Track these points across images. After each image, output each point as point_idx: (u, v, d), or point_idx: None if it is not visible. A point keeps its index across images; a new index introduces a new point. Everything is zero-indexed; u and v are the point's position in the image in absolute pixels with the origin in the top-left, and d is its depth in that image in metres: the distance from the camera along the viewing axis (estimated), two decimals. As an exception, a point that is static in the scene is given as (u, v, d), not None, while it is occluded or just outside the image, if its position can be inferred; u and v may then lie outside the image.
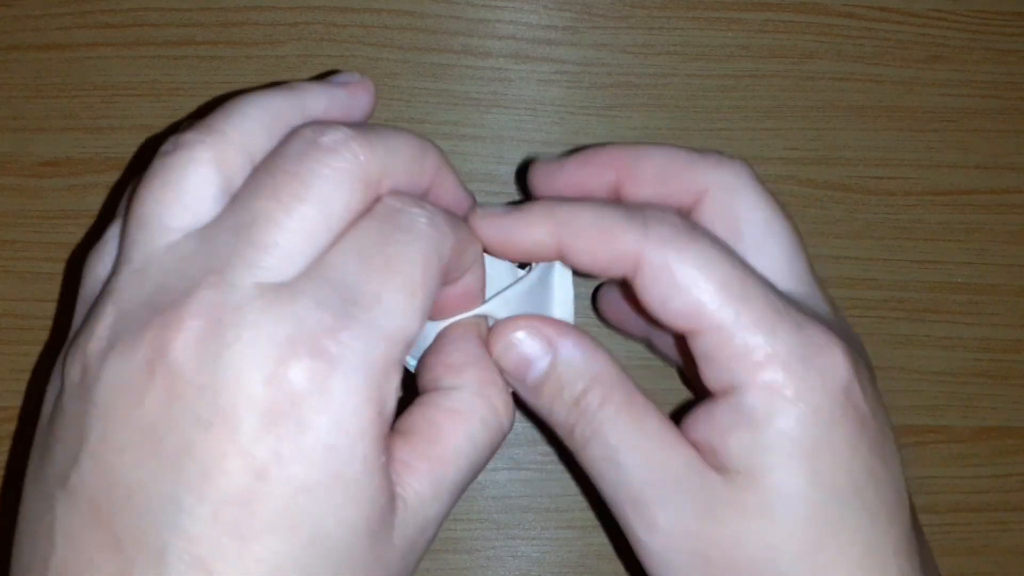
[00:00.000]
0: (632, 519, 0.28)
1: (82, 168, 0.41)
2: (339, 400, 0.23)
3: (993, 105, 0.43)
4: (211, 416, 0.22)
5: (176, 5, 0.41)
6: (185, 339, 0.22)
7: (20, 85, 0.41)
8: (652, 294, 0.28)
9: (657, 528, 0.28)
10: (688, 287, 0.27)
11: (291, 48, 0.42)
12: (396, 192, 0.26)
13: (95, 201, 0.41)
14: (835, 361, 0.28)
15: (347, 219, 0.24)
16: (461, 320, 0.30)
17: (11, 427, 0.40)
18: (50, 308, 0.40)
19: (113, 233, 0.27)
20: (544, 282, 0.32)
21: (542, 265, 0.32)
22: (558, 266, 0.32)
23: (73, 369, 0.24)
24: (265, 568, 0.22)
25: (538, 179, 0.33)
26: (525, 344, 0.29)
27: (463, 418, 0.27)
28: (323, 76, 0.41)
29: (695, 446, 0.28)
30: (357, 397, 0.23)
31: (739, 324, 0.27)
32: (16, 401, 0.40)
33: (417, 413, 0.27)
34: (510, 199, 0.41)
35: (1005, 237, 0.42)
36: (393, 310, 0.24)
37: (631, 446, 0.28)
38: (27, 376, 0.40)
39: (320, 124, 0.25)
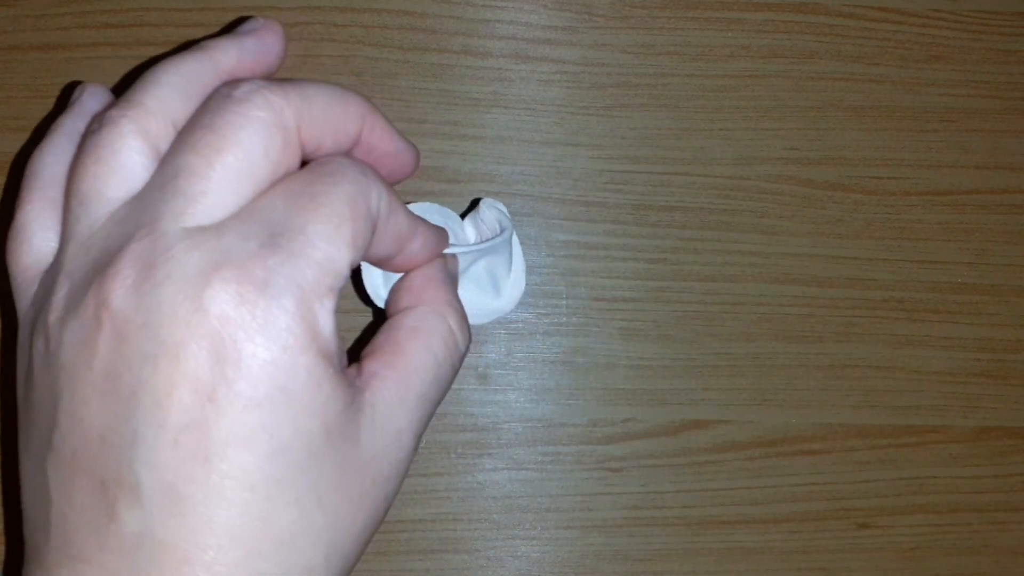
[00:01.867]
0: None
1: (82, 168, 0.41)
2: (271, 320, 0.23)
3: (993, 105, 0.43)
4: (155, 351, 0.23)
5: (176, 5, 0.41)
6: (123, 285, 0.24)
7: (20, 85, 0.41)
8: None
9: None
10: None
11: (291, 48, 0.42)
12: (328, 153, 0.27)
13: (95, 201, 0.41)
14: None
15: (269, 165, 0.25)
16: None
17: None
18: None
19: (26, 220, 0.28)
20: (503, 247, 0.35)
21: (505, 234, 0.35)
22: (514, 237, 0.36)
23: (38, 342, 0.25)
24: (234, 483, 0.23)
25: None
26: None
27: (423, 333, 0.28)
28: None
29: None
30: (288, 316, 0.24)
31: None
32: (16, 401, 0.40)
33: (382, 333, 0.29)
34: (511, 199, 0.41)
35: (1005, 237, 0.42)
36: (319, 239, 0.24)
37: None
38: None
39: (235, 80, 0.26)
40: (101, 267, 0.24)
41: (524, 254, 0.39)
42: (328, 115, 0.27)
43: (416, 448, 0.28)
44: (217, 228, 0.24)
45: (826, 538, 0.41)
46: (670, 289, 0.42)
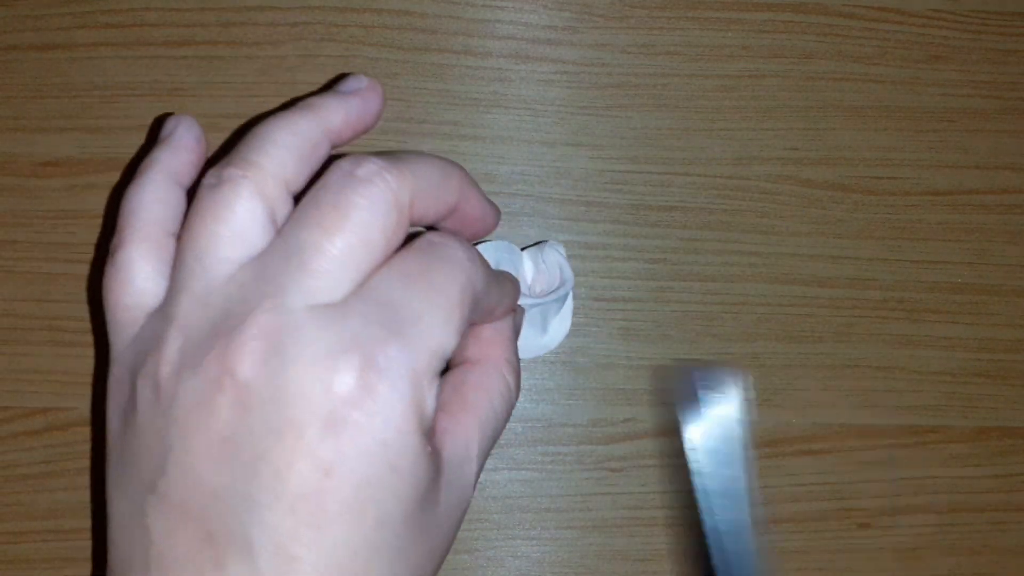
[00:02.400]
0: None
1: (82, 168, 0.41)
2: (388, 404, 0.25)
3: (993, 105, 0.43)
4: (280, 425, 0.25)
5: (176, 5, 0.41)
6: (251, 357, 0.25)
7: (20, 85, 0.41)
8: None
9: None
10: None
11: (291, 48, 0.42)
12: (438, 231, 0.29)
13: (95, 201, 0.41)
14: None
15: (384, 241, 0.27)
16: None
17: (12, 427, 0.40)
18: (51, 308, 0.40)
19: (129, 260, 0.29)
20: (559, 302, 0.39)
21: (567, 287, 0.38)
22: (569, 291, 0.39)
23: (145, 389, 0.26)
24: (340, 550, 0.25)
25: None
26: None
27: (486, 391, 0.31)
28: (332, 80, 0.41)
29: None
30: (404, 401, 0.25)
31: None
32: (16, 401, 0.40)
33: (449, 386, 0.31)
34: (510, 199, 0.41)
35: (1005, 237, 0.42)
36: (433, 327, 0.26)
37: None
38: (28, 376, 0.40)
39: (355, 157, 0.27)
40: (224, 331, 0.25)
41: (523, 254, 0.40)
42: (434, 191, 0.28)
43: (475, 489, 0.30)
44: (342, 309, 0.26)
45: (826, 538, 0.41)
46: (670, 289, 0.42)
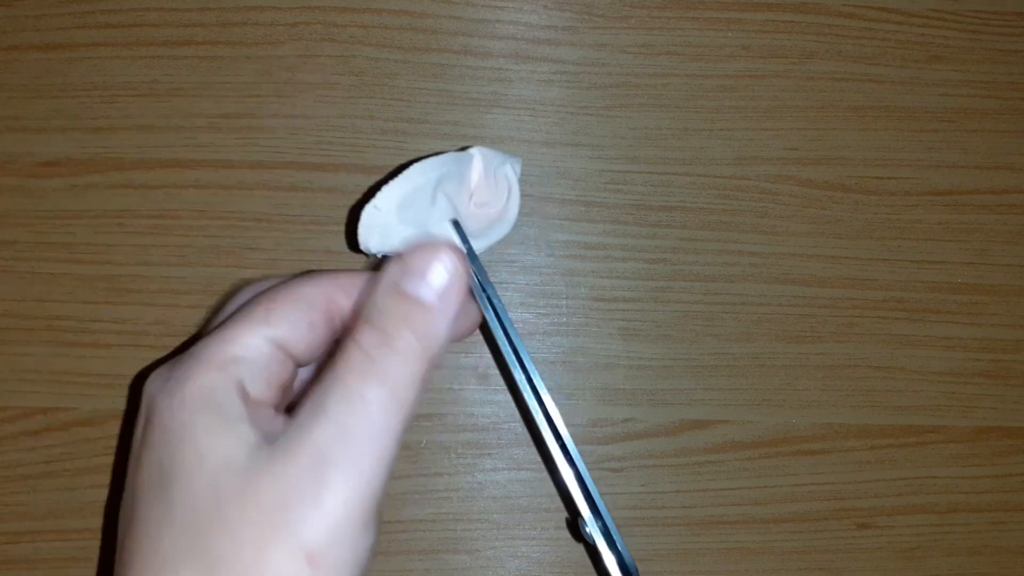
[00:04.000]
0: None
1: (82, 168, 0.41)
2: None
3: (993, 105, 0.43)
4: None
5: (176, 5, 0.41)
6: None
7: (20, 85, 0.41)
8: None
9: None
10: None
11: (291, 48, 0.42)
12: None
13: (95, 201, 0.41)
14: None
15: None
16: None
17: (12, 428, 0.40)
18: (51, 308, 0.40)
19: None
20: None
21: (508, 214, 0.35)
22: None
23: None
24: None
25: None
26: None
27: None
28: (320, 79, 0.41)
29: None
30: None
31: None
32: (16, 401, 0.40)
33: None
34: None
35: (1005, 237, 0.42)
36: None
37: None
38: (28, 376, 0.40)
39: None
40: None
41: (524, 253, 0.40)
42: None
43: None
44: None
45: (826, 538, 0.41)
46: (670, 289, 0.42)
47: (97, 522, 0.40)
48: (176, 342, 0.41)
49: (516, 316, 0.41)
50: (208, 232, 0.41)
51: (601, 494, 0.41)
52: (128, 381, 0.40)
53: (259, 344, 0.29)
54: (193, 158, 0.41)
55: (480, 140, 0.42)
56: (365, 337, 0.28)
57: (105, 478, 0.40)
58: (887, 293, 0.42)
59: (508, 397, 0.41)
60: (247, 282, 0.32)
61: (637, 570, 0.34)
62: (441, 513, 0.41)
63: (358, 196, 0.41)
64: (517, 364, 0.33)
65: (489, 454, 0.41)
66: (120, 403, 0.40)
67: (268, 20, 0.42)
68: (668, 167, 0.42)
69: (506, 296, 0.41)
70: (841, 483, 0.41)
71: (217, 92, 0.41)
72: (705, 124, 0.42)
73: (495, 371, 0.41)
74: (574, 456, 0.33)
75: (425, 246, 0.29)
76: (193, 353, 0.29)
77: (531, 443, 0.41)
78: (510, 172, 0.35)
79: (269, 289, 0.30)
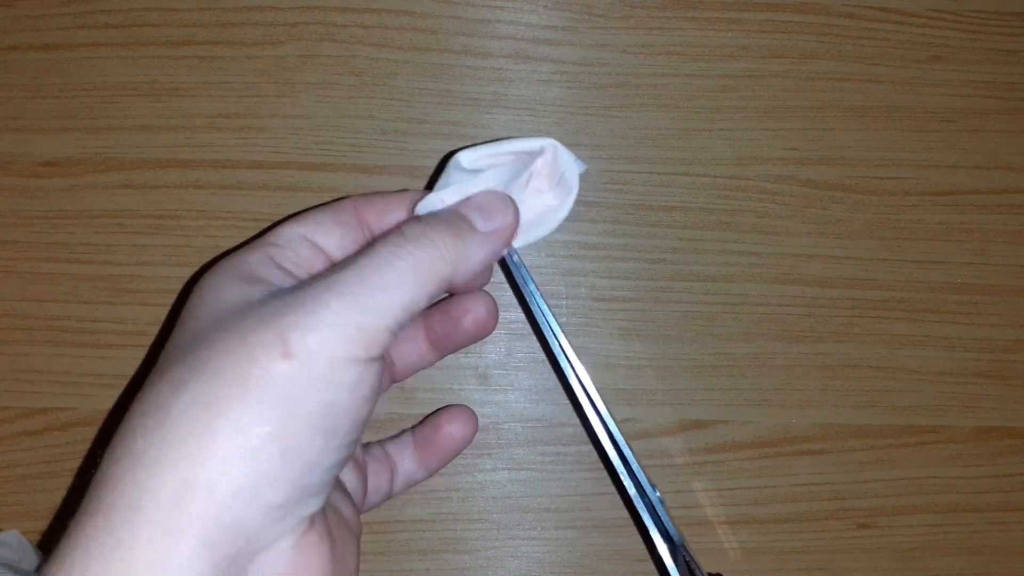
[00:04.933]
0: None
1: (82, 168, 0.41)
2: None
3: (993, 105, 0.43)
4: None
5: (176, 5, 0.41)
6: None
7: (20, 85, 0.41)
8: None
9: None
10: None
11: (291, 48, 0.42)
12: None
13: (95, 201, 0.41)
14: None
15: None
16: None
17: (12, 428, 0.40)
18: (51, 308, 0.40)
19: None
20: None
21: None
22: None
23: None
24: None
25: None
26: None
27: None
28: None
29: None
30: None
31: None
32: (16, 401, 0.40)
33: None
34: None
35: (1005, 237, 0.42)
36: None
37: None
38: (28, 376, 0.40)
39: None
40: None
41: (524, 253, 0.39)
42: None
43: None
44: None
45: (826, 538, 0.41)
46: (670, 289, 0.42)
47: (97, 522, 0.40)
48: (176, 342, 0.41)
49: (516, 316, 0.41)
50: (208, 232, 0.41)
51: (600, 494, 0.41)
52: (126, 381, 0.40)
53: (289, 234, 0.31)
54: (193, 158, 0.41)
55: (480, 140, 0.42)
56: (409, 225, 0.30)
57: (105, 478, 0.40)
58: (887, 293, 0.42)
59: (508, 397, 0.41)
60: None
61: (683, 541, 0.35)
62: (441, 513, 0.41)
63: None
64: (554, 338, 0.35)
65: (489, 454, 0.41)
66: (119, 403, 0.40)
67: (268, 20, 0.42)
68: (668, 167, 0.42)
69: (505, 296, 0.41)
70: (841, 483, 0.41)
71: (217, 92, 0.41)
72: (705, 124, 0.42)
73: (496, 371, 0.41)
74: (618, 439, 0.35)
75: (491, 192, 0.33)
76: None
77: (531, 443, 0.41)
78: (575, 174, 0.35)
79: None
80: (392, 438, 0.38)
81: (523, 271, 0.34)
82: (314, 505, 0.27)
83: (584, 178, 0.42)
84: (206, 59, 0.41)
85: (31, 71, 0.41)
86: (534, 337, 0.41)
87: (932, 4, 0.43)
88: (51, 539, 0.38)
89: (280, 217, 0.41)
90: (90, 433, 0.40)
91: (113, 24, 0.41)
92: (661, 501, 0.35)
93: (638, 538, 0.41)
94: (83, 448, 0.40)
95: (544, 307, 0.35)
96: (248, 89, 0.41)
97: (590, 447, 0.41)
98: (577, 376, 0.35)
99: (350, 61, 0.42)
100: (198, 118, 0.41)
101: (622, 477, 0.35)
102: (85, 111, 0.41)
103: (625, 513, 0.41)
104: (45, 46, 0.41)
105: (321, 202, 0.41)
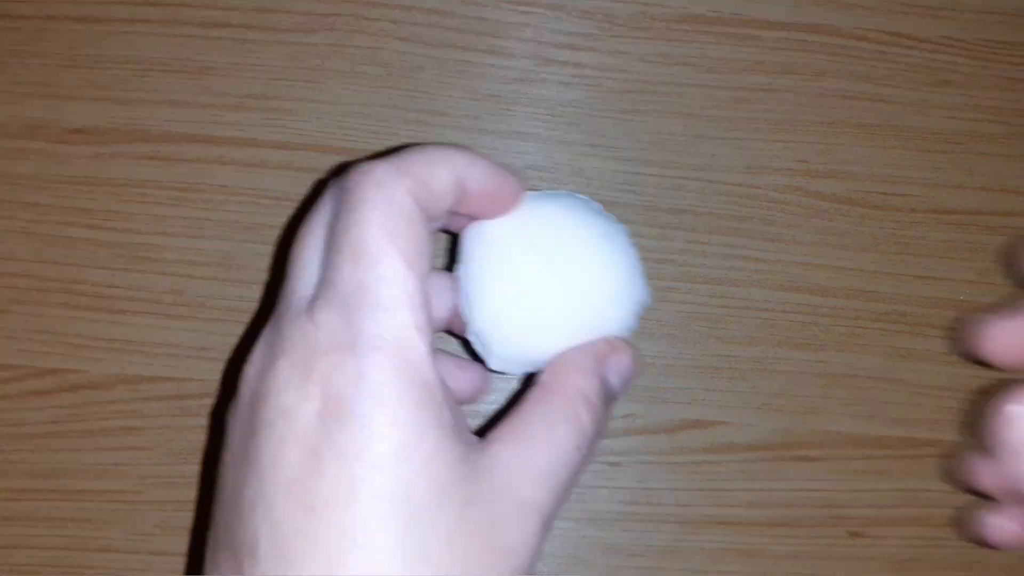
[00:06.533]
0: None
1: (109, 137, 0.42)
2: (365, 377, 0.26)
3: (999, 130, 0.44)
4: (273, 416, 0.27)
5: (213, -12, 0.43)
6: (254, 367, 0.28)
7: (55, 54, 0.42)
8: None
9: None
10: None
11: (322, 37, 0.43)
12: None
13: (119, 170, 0.42)
14: None
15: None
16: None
17: (22, 386, 0.41)
18: (68, 271, 0.41)
19: None
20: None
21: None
22: None
23: None
24: (337, 535, 0.24)
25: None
26: None
27: (552, 410, 0.30)
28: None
29: None
30: (381, 372, 0.26)
31: None
32: (28, 360, 0.41)
33: (514, 407, 0.30)
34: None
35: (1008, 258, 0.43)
36: (385, 288, 0.28)
37: None
38: (42, 337, 0.41)
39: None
40: None
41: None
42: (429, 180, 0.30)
43: (544, 528, 0.27)
44: (310, 309, 0.27)
45: (818, 545, 0.41)
46: (676, 290, 0.42)
47: (99, 484, 0.40)
48: (188, 312, 0.41)
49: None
50: (227, 207, 0.42)
51: (598, 487, 0.41)
52: (138, 347, 0.41)
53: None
54: (218, 135, 0.42)
55: (499, 135, 0.43)
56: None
57: (110, 441, 0.41)
58: (890, 306, 0.43)
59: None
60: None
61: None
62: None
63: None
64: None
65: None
66: (129, 368, 0.41)
67: (303, 9, 0.43)
68: (680, 171, 0.43)
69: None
70: (836, 491, 0.42)
71: (247, 73, 0.43)
72: (718, 133, 0.43)
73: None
74: None
75: (620, 342, 0.32)
76: (368, 331, 0.26)
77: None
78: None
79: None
80: None
81: None
82: None
83: (598, 177, 0.43)
84: (239, 41, 0.43)
85: (66, 41, 0.42)
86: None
87: (943, 31, 0.44)
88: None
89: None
90: (98, 396, 0.41)
91: (151, 2, 0.43)
92: None
93: (634, 533, 0.41)
94: (90, 411, 0.41)
95: None
96: (278, 72, 0.43)
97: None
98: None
99: (378, 53, 0.43)
100: (227, 96, 0.42)
101: None
102: (117, 83, 0.42)
103: (622, 508, 0.41)
104: (82, 18, 0.42)
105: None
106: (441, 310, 0.33)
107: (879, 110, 0.44)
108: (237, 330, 0.41)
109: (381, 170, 0.28)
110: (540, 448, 0.28)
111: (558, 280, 0.31)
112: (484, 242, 0.32)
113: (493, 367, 0.32)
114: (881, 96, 0.44)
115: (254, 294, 0.42)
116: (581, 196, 0.33)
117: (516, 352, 0.31)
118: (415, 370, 0.26)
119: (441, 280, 0.33)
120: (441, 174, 0.29)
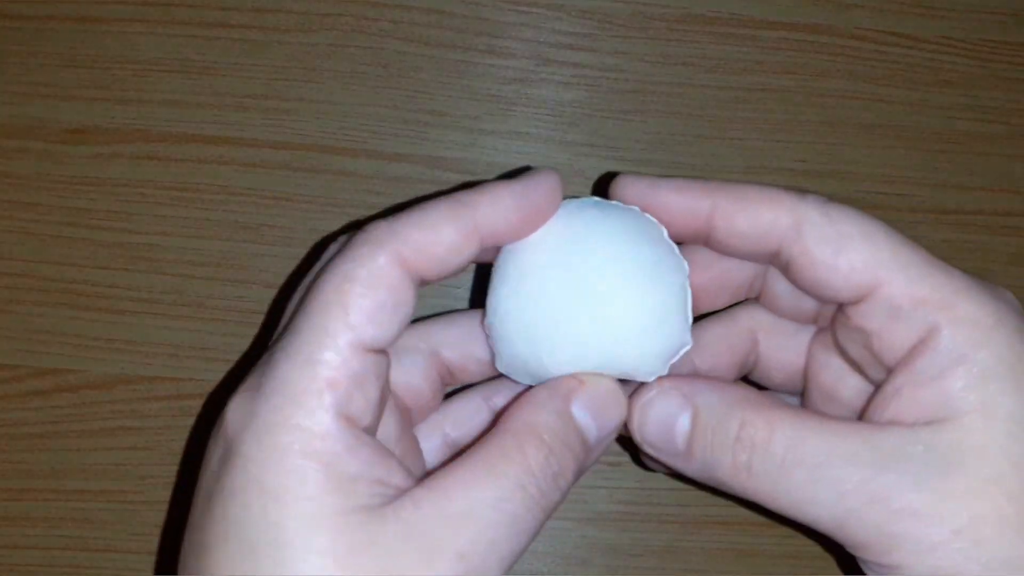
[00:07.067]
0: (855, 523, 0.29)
1: (108, 137, 0.42)
2: (259, 421, 0.28)
3: (999, 130, 0.44)
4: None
5: (213, -12, 0.43)
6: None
7: (54, 54, 0.42)
8: (818, 253, 0.29)
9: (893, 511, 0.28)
10: (860, 236, 0.29)
11: (322, 37, 0.43)
12: None
13: (118, 170, 0.42)
14: (1005, 291, 0.30)
15: None
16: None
17: (21, 386, 0.41)
18: (68, 271, 0.41)
19: None
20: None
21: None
22: None
23: None
24: None
25: (627, 193, 0.32)
26: (659, 406, 0.31)
27: (487, 451, 0.28)
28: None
29: (894, 423, 0.29)
30: (276, 414, 0.27)
31: (918, 268, 0.29)
32: (28, 360, 0.41)
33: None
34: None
35: (1007, 258, 0.43)
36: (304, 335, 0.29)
37: (816, 448, 0.29)
38: (41, 336, 0.41)
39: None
40: None
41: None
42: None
43: (468, 570, 0.25)
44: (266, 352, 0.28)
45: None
46: (676, 290, 0.42)
47: (97, 484, 0.41)
48: (188, 312, 0.41)
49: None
50: (227, 207, 0.42)
51: (597, 487, 0.41)
52: (138, 347, 0.41)
53: (348, 358, 0.26)
54: (218, 134, 0.42)
55: (498, 135, 0.43)
56: (534, 453, 0.27)
57: (110, 441, 0.41)
58: (889, 306, 0.43)
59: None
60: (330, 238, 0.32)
61: None
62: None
63: (376, 181, 0.42)
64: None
65: (489, 441, 0.41)
66: (129, 368, 0.41)
67: (302, 9, 0.43)
68: (680, 171, 0.43)
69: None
70: (836, 491, 0.42)
71: (247, 73, 0.42)
72: (718, 132, 0.43)
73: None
74: None
75: (607, 384, 0.30)
76: (278, 379, 0.26)
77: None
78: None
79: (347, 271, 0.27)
80: None
81: None
82: None
83: (598, 177, 0.43)
84: (239, 41, 0.43)
85: (66, 41, 0.42)
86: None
87: (943, 31, 0.44)
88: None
89: (299, 197, 0.42)
90: (98, 396, 0.41)
91: (151, 2, 0.43)
92: None
93: (633, 533, 0.41)
94: (90, 411, 0.41)
95: None
96: (278, 72, 0.43)
97: (589, 441, 0.41)
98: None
99: (378, 53, 0.43)
100: (226, 96, 0.42)
101: None
102: (116, 83, 0.42)
103: (620, 507, 0.41)
104: (82, 18, 0.42)
105: (339, 185, 0.42)
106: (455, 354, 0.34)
107: (879, 110, 0.44)
108: (237, 330, 0.41)
109: (375, 234, 0.28)
110: (466, 487, 0.26)
111: (578, 295, 0.29)
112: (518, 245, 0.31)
113: (499, 369, 0.32)
114: (881, 96, 0.44)
115: (254, 294, 0.42)
116: (651, 219, 0.31)
117: (520, 358, 0.30)
118: (311, 422, 0.26)
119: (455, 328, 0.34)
120: (444, 236, 0.28)
